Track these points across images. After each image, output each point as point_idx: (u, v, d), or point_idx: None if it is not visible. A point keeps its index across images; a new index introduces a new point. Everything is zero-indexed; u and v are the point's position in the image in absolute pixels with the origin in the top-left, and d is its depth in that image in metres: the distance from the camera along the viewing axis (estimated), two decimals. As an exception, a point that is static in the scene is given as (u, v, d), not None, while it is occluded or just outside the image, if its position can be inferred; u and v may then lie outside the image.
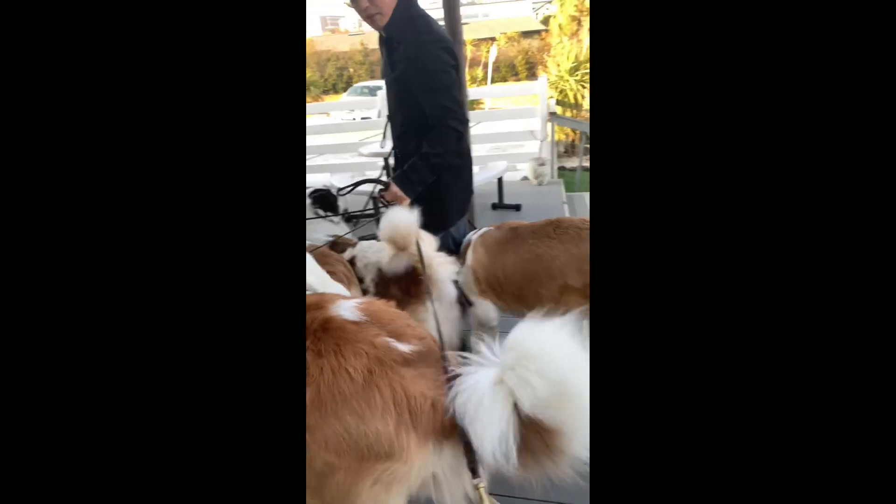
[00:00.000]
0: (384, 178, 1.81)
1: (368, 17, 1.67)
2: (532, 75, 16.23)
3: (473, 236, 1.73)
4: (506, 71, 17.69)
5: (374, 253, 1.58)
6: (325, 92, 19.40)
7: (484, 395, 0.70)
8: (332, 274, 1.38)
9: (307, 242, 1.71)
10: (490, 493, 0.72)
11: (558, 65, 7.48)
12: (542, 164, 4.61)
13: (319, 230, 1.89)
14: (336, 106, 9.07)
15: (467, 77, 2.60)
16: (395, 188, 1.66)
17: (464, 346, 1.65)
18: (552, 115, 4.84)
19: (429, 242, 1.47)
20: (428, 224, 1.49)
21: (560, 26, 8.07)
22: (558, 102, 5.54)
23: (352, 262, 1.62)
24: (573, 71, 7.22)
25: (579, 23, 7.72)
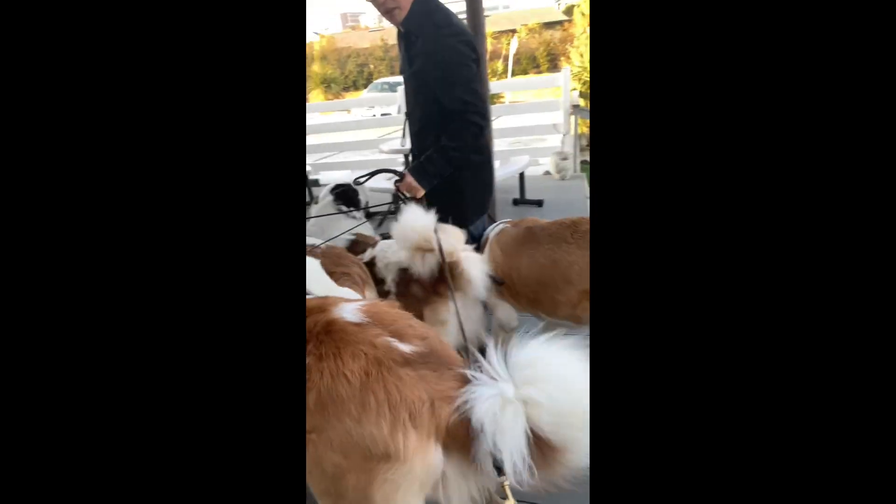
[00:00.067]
0: (400, 170, 1.78)
1: (387, 12, 1.64)
2: (554, 67, 15.93)
3: (491, 234, 1.69)
4: (527, 63, 17.41)
5: (394, 253, 1.56)
6: (346, 89, 19.58)
7: (503, 411, 0.73)
8: (346, 276, 1.36)
9: (327, 241, 1.70)
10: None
11: (581, 55, 7.28)
12: (564, 159, 4.50)
13: (341, 228, 1.87)
14: (356, 103, 9.13)
15: (488, 70, 2.54)
16: (410, 179, 1.64)
17: (483, 347, 1.62)
18: (575, 108, 4.71)
19: (455, 235, 1.44)
20: (446, 221, 1.47)
21: (584, 15, 7.86)
22: (581, 95, 5.39)
23: (372, 262, 1.60)
24: (597, 61, 6.99)
25: (603, 11, 7.46)
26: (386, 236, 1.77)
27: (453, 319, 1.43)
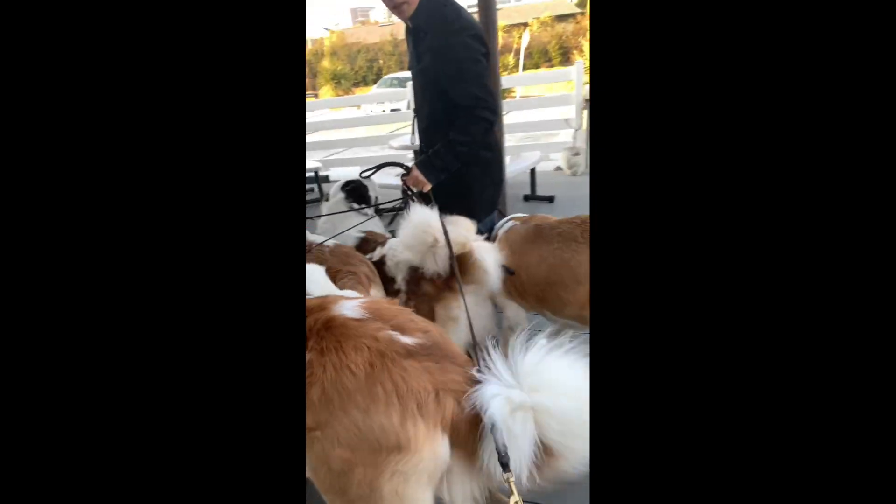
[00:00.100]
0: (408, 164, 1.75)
1: (395, 7, 1.61)
2: (566, 61, 15.71)
3: (500, 231, 1.66)
4: (538, 57, 17.21)
5: (403, 252, 1.54)
6: (356, 84, 19.59)
7: (513, 416, 0.74)
8: (351, 275, 1.35)
9: (333, 238, 1.69)
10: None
11: (594, 49, 7.13)
12: (576, 154, 4.43)
13: (352, 225, 1.84)
14: (366, 98, 9.12)
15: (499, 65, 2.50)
16: (416, 172, 1.62)
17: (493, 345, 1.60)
18: (588, 102, 4.63)
19: (466, 226, 1.41)
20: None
21: (596, 8, 7.69)
22: (594, 88, 5.28)
23: (382, 261, 1.58)
24: (610, 54, 6.86)
25: (617, 3, 7.32)
26: (396, 234, 1.75)
27: (464, 316, 1.41)
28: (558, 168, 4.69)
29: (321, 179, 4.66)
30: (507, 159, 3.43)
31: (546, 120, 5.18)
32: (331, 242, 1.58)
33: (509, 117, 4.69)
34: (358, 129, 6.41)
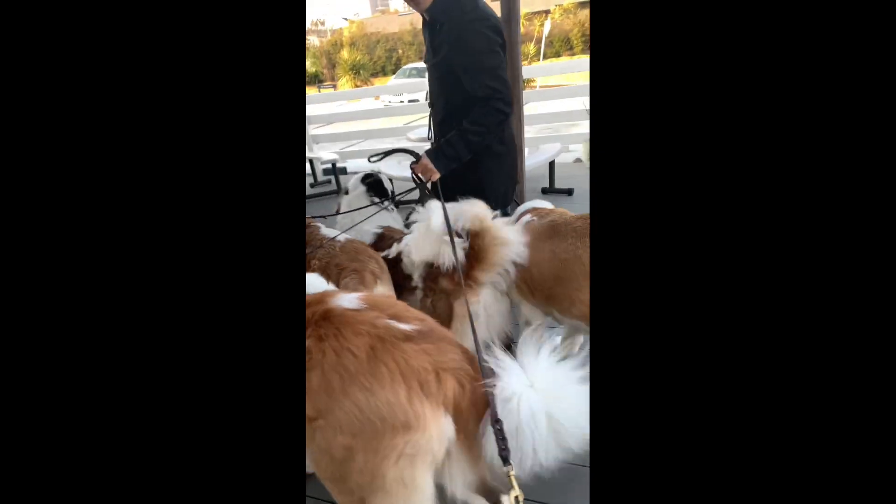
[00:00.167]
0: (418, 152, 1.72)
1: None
2: (589, 49, 15.28)
3: (516, 223, 1.63)
4: (559, 46, 16.82)
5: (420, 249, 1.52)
6: (374, 75, 19.57)
7: (535, 418, 0.74)
8: (354, 273, 1.34)
9: (353, 234, 1.68)
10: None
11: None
12: (597, 146, 4.32)
13: (372, 220, 1.79)
14: (384, 90, 9.09)
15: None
16: (426, 160, 1.59)
17: (510, 343, 1.58)
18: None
19: (479, 206, 1.36)
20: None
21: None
22: (617, 78, 5.11)
23: (398, 258, 1.56)
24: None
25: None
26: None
27: (482, 312, 1.39)
28: (578, 160, 4.59)
29: (339, 171, 4.68)
30: (526, 151, 3.37)
31: (566, 111, 5.06)
32: (342, 237, 1.56)
33: (528, 108, 4.60)
34: (376, 120, 6.40)
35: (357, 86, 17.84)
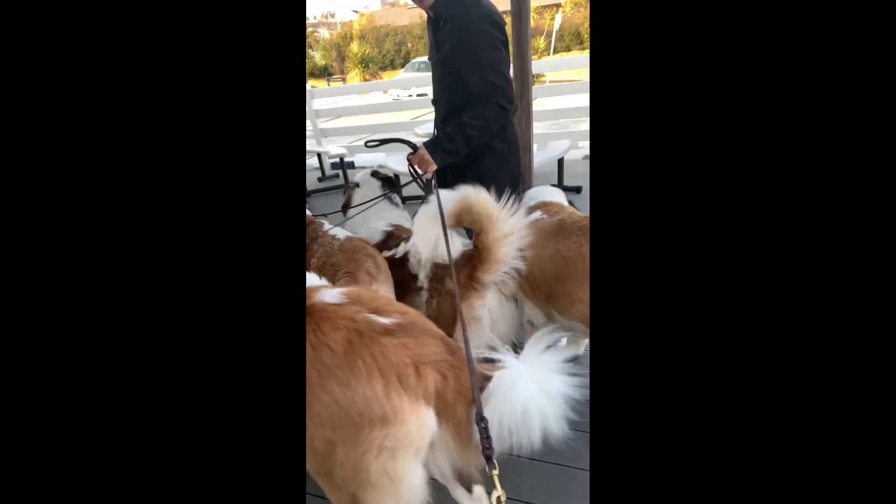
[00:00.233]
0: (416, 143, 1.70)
1: None
2: (599, 43, 15.00)
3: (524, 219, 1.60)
4: (570, 40, 16.60)
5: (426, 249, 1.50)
6: (383, 68, 19.48)
7: (527, 406, 0.75)
8: (347, 276, 1.33)
9: (364, 232, 1.67)
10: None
11: (630, 31, 6.78)
12: (607, 143, 4.26)
13: (382, 218, 1.76)
14: (392, 84, 9.05)
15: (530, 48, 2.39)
16: (423, 151, 1.58)
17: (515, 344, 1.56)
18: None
19: (488, 199, 1.34)
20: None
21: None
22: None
23: (405, 258, 1.55)
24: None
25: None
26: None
27: (487, 316, 1.38)
28: (587, 157, 4.54)
29: (346, 166, 4.68)
30: (535, 147, 3.33)
31: (575, 107, 5.00)
32: (342, 235, 1.54)
33: (537, 104, 4.54)
34: (384, 114, 6.37)
35: (366, 79, 17.77)
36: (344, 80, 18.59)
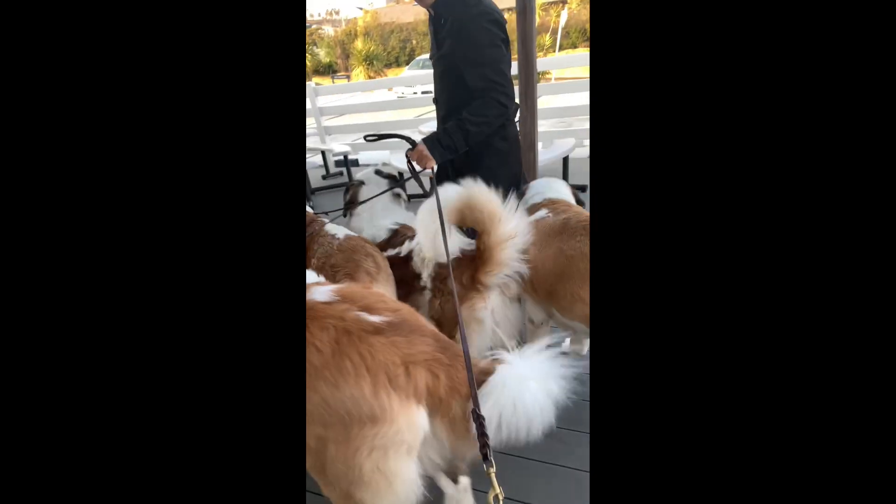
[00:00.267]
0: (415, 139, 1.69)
1: None
2: (605, 40, 14.90)
3: (530, 216, 1.58)
4: (576, 36, 16.48)
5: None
6: (388, 66, 19.45)
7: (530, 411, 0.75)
8: (349, 276, 1.31)
9: (370, 231, 1.66)
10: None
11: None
12: (613, 141, 4.22)
13: (389, 216, 1.74)
14: (397, 81, 9.04)
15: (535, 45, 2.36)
16: (421, 147, 1.57)
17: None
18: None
19: (495, 199, 1.32)
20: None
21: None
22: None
23: (409, 256, 1.53)
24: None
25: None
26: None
27: (489, 317, 1.36)
28: (593, 155, 4.50)
29: (350, 163, 4.67)
30: (540, 146, 3.30)
31: (582, 105, 4.96)
32: (341, 234, 1.52)
33: (542, 101, 4.51)
34: (386, 112, 6.36)
35: (370, 76, 17.76)
36: (348, 77, 18.59)
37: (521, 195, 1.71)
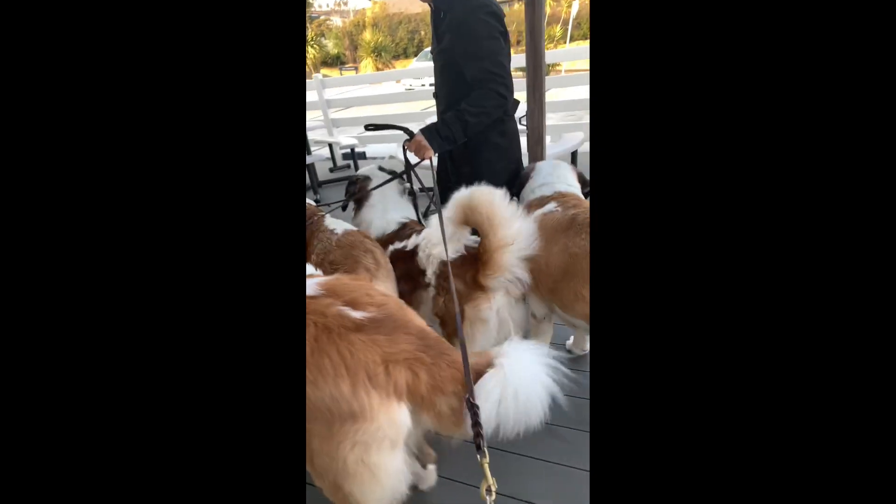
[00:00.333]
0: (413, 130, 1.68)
1: None
2: (617, 31, 14.64)
3: (537, 211, 1.56)
4: (588, 27, 16.22)
5: (435, 245, 1.47)
6: (396, 57, 19.33)
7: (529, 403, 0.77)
8: (350, 272, 1.31)
9: (380, 226, 1.64)
10: (496, 493, 0.74)
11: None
12: (623, 135, 4.16)
13: (399, 209, 1.73)
14: (403, 73, 8.97)
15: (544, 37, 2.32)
16: (419, 138, 1.56)
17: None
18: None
19: (499, 202, 1.30)
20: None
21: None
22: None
23: (414, 252, 1.52)
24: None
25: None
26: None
27: (494, 317, 1.35)
28: (602, 149, 4.43)
29: (357, 156, 4.66)
30: (548, 139, 3.26)
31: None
32: (339, 229, 1.51)
33: (551, 94, 4.45)
34: (393, 105, 6.33)
35: (378, 68, 17.67)
36: (356, 68, 18.51)
37: (525, 178, 1.69)
